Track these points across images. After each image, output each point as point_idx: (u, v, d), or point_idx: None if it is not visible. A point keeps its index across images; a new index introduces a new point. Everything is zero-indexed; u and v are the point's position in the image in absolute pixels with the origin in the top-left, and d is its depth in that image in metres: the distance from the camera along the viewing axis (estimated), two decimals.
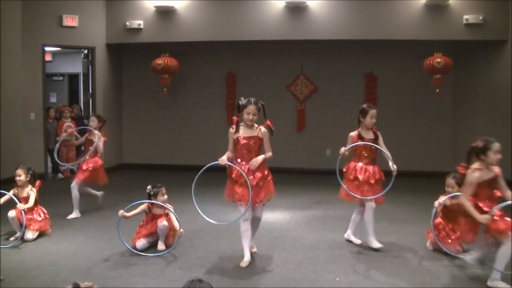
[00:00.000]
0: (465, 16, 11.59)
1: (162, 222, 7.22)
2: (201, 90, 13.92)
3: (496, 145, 5.95)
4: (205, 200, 10.43)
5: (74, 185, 9.04)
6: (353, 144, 7.29)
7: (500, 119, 11.81)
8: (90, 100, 13.14)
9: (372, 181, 7.28)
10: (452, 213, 7.00)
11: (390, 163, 6.98)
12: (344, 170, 7.52)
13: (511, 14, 11.54)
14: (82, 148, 13.88)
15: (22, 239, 7.34)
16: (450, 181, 7.11)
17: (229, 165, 6.46)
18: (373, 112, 7.43)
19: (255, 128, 6.55)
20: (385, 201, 10.41)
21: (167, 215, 7.34)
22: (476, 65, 12.56)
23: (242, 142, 6.54)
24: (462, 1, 11.67)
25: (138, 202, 7.15)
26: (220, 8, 12.42)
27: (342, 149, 7.12)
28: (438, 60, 11.54)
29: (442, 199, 7.06)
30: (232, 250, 7.25)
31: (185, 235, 7.79)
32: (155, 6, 12.51)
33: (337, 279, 6.15)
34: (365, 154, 7.45)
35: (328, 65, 13.56)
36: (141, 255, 6.93)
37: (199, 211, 6.56)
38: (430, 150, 13.29)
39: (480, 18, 11.52)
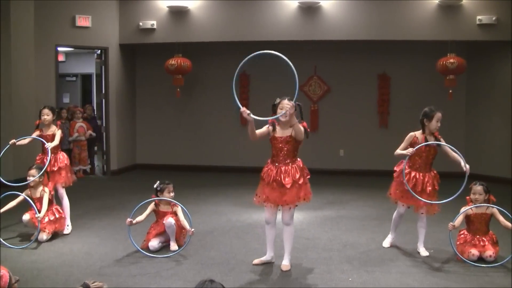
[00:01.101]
0: (478, 17, 11.52)
1: (168, 219, 7.19)
2: (215, 90, 13.92)
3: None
4: (218, 200, 10.45)
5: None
6: (423, 144, 7.04)
7: None
8: (103, 100, 13.17)
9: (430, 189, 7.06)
10: (474, 223, 6.94)
11: (462, 163, 6.78)
12: (396, 169, 7.36)
13: None
14: (96, 148, 13.99)
15: (36, 240, 7.35)
16: (478, 188, 6.90)
17: (251, 116, 6.23)
18: (439, 115, 7.10)
19: (290, 128, 6.47)
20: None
21: (175, 213, 7.31)
22: (489, 65, 12.50)
23: (277, 142, 6.47)
24: (475, 2, 11.61)
25: (143, 202, 7.09)
26: (233, 8, 12.42)
27: (410, 150, 6.93)
28: (452, 60, 11.48)
29: (466, 208, 6.95)
30: (245, 250, 7.25)
31: (198, 235, 7.81)
32: (168, 6, 12.52)
33: (350, 279, 6.14)
34: (423, 157, 7.14)
35: (341, 65, 13.54)
36: (153, 256, 6.94)
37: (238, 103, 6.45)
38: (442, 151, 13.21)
39: (494, 18, 11.46)
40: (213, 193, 11.15)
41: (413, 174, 7.07)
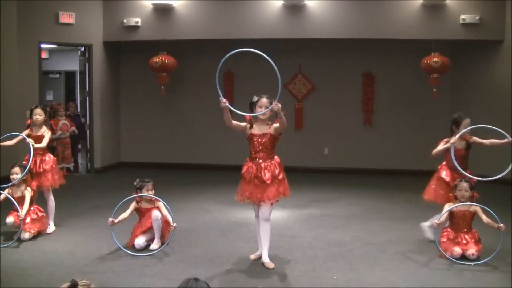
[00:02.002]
0: (462, 16, 11.59)
1: (154, 213, 7.15)
2: (199, 88, 13.88)
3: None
4: (203, 198, 10.44)
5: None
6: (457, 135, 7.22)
7: (497, 119, 11.80)
8: (87, 98, 13.09)
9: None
10: (457, 220, 6.96)
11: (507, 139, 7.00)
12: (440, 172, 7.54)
13: (508, 14, 11.56)
14: (80, 146, 13.90)
15: (19, 239, 7.30)
16: (463, 184, 6.91)
17: (226, 105, 6.40)
18: (466, 122, 7.34)
19: (267, 125, 6.51)
20: (382, 199, 10.50)
21: (158, 209, 7.28)
22: (473, 64, 12.57)
23: (255, 140, 6.49)
24: (459, 1, 11.68)
25: (123, 201, 7.04)
26: (218, 6, 12.39)
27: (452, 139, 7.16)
28: (435, 59, 11.53)
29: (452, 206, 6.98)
30: (230, 248, 7.24)
31: (183, 233, 7.80)
32: (152, 4, 12.47)
33: (335, 277, 6.15)
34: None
35: (326, 64, 13.56)
36: (136, 255, 6.91)
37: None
38: (427, 149, 13.19)
39: (477, 18, 11.53)
40: (198, 191, 11.13)
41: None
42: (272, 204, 6.49)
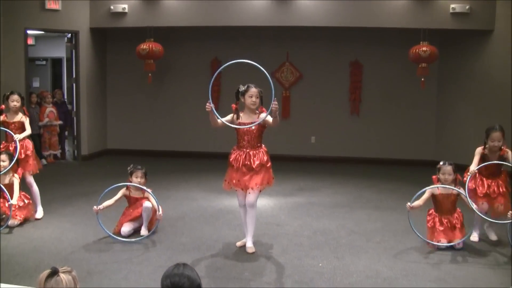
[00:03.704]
0: (452, 5, 11.57)
1: (145, 203, 7.19)
2: (186, 75, 13.84)
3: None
4: (189, 186, 10.45)
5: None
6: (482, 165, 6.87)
7: (484, 109, 11.89)
8: (74, 85, 13.01)
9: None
10: (441, 202, 6.96)
11: None
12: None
13: (498, 4, 11.57)
14: (66, 133, 13.86)
15: (7, 226, 7.28)
16: (447, 168, 6.84)
17: (212, 109, 6.42)
18: (494, 135, 6.85)
19: (255, 114, 6.56)
20: (368, 188, 10.55)
21: (147, 199, 7.30)
22: (461, 54, 12.59)
23: (243, 129, 6.53)
24: None
25: (108, 189, 7.04)
26: None
27: (472, 169, 6.80)
28: (424, 49, 11.52)
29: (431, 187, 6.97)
30: (216, 235, 7.27)
31: (169, 220, 7.83)
32: None
33: (320, 265, 6.19)
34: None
35: (314, 52, 13.54)
36: (123, 241, 6.92)
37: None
38: (414, 139, 13.34)
39: (467, 7, 11.51)
40: (184, 178, 11.13)
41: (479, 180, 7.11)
42: (260, 191, 6.59)
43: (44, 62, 18.71)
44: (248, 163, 6.46)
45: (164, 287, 2.87)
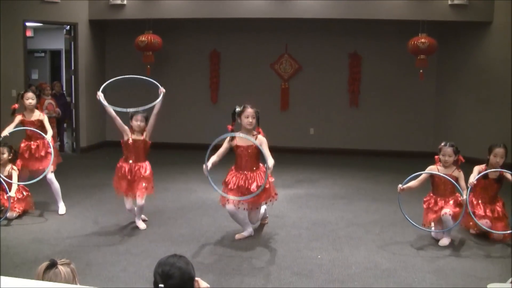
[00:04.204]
0: None
1: (141, 201, 7.08)
2: (185, 67, 13.84)
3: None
4: (188, 178, 10.45)
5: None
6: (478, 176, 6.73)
7: (482, 101, 11.90)
8: (73, 77, 13.01)
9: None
10: (439, 184, 6.85)
11: None
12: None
13: None
14: (65, 125, 13.85)
15: (6, 218, 7.29)
16: (448, 149, 6.74)
17: (206, 172, 6.46)
18: (497, 150, 6.80)
19: (252, 135, 6.58)
20: (366, 180, 10.57)
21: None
22: (460, 46, 12.59)
23: (240, 151, 6.63)
24: None
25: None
26: None
27: (471, 180, 6.67)
28: (423, 40, 11.50)
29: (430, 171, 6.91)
30: (215, 227, 7.28)
31: (168, 212, 7.86)
32: None
33: (319, 256, 6.20)
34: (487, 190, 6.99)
35: (312, 44, 13.53)
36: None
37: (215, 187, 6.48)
38: (413, 131, 13.36)
39: None
40: (183, 170, 11.14)
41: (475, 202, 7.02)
42: (258, 208, 6.79)
43: (43, 54, 18.68)
44: (246, 186, 6.56)
45: (155, 275, 2.88)
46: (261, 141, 6.52)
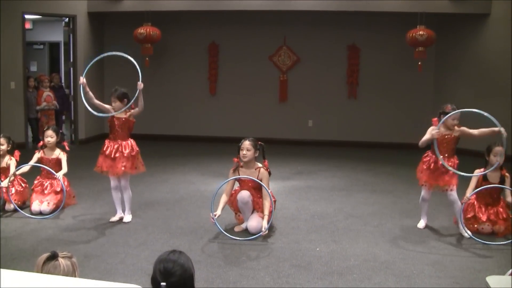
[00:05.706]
0: None
1: (125, 182, 7.16)
2: (184, 59, 13.83)
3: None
4: (187, 169, 10.45)
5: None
6: (476, 190, 6.77)
7: (480, 92, 11.89)
8: (71, 69, 12.99)
9: None
10: (439, 144, 6.84)
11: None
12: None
13: None
14: (64, 117, 13.84)
15: (3, 210, 7.30)
16: (499, 148, 6.69)
17: (214, 220, 6.44)
18: (496, 149, 6.76)
19: (255, 169, 6.70)
20: (365, 172, 10.57)
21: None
22: (458, 38, 12.58)
23: (244, 183, 6.77)
24: None
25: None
26: None
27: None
28: (421, 32, 11.49)
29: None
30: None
31: (166, 204, 7.86)
32: None
33: (318, 248, 6.21)
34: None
35: (311, 36, 13.51)
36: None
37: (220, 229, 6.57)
38: (411, 122, 13.34)
39: None
40: (182, 162, 11.14)
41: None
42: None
43: (41, 46, 18.66)
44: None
45: (155, 271, 2.83)
46: (262, 176, 6.67)
